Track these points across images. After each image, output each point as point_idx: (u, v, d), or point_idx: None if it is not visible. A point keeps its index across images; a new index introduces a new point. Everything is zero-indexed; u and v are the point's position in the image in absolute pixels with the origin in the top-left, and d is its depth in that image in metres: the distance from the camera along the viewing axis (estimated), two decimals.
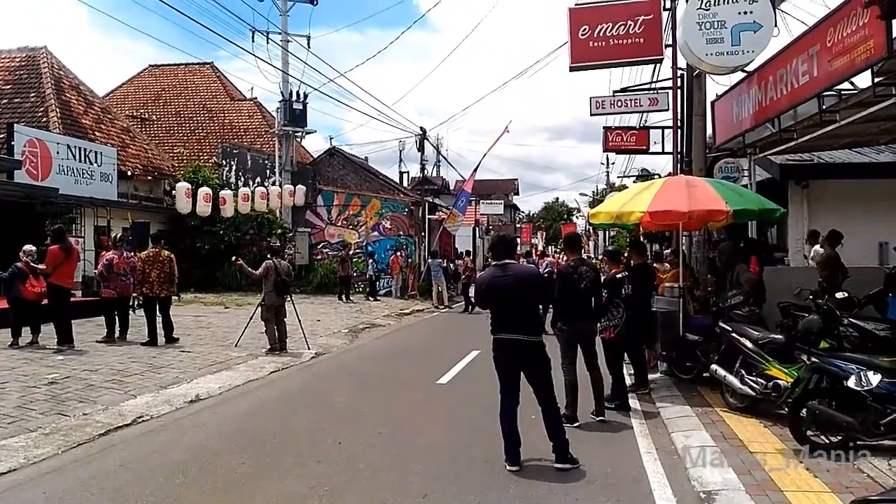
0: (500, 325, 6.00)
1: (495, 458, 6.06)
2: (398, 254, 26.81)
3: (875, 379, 5.16)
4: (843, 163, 14.29)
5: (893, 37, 6.77)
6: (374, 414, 7.93)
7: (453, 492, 5.26)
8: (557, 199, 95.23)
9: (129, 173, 23.15)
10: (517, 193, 79.59)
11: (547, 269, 16.93)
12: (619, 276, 8.23)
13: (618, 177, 43.22)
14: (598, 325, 7.97)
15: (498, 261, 6.11)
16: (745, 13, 8.61)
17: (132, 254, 12.92)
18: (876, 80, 7.49)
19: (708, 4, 8.75)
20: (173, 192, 23.75)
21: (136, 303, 16.13)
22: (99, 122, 23.93)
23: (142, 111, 32.65)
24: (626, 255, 10.79)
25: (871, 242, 13.49)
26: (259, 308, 12.26)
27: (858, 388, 5.25)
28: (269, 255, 12.55)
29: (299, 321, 12.72)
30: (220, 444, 6.61)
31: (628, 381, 8.75)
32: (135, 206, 22.89)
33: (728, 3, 8.65)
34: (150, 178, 24.75)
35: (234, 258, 13.33)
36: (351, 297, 24.04)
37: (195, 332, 14.08)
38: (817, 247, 10.87)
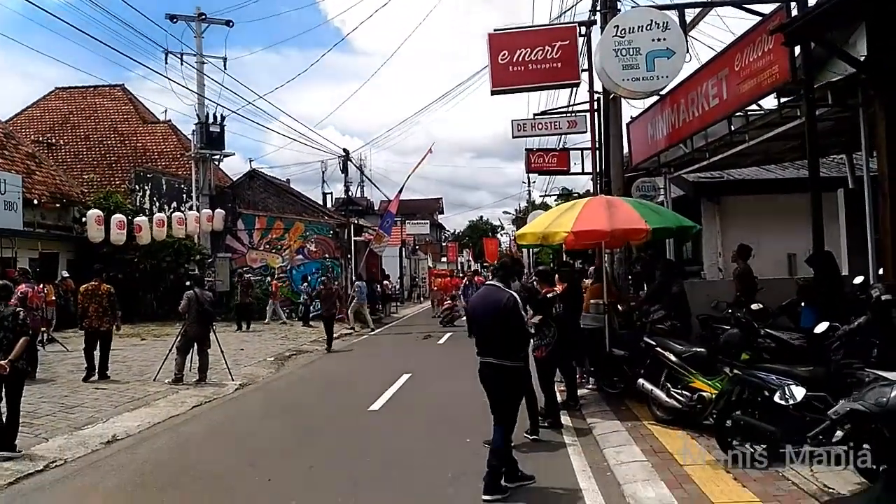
0: (478, 348, 6.12)
1: (431, 487, 5.99)
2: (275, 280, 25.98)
3: (800, 393, 5.37)
4: (752, 179, 15.02)
5: (797, 62, 7.18)
6: (305, 447, 7.71)
7: None
8: (482, 217, 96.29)
9: (36, 201, 21.93)
10: (442, 212, 80.00)
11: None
12: (549, 295, 8.32)
13: (540, 195, 44.05)
14: (531, 343, 8.02)
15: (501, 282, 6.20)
16: (659, 40, 8.96)
17: (42, 287, 12.28)
18: (782, 101, 7.89)
19: (623, 32, 9.06)
20: (83, 219, 22.63)
21: (44, 338, 15.30)
22: (1, 148, 22.65)
23: (48, 136, 31.07)
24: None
25: (781, 254, 14.19)
26: (178, 338, 11.83)
27: (783, 403, 5.45)
28: (189, 285, 12.13)
29: (221, 351, 12.27)
30: (141, 487, 6.27)
31: (559, 397, 8.85)
32: (42, 236, 21.70)
33: (642, 30, 8.98)
34: (58, 205, 23.50)
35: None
36: (251, 327, 22.27)
37: (110, 367, 13.36)
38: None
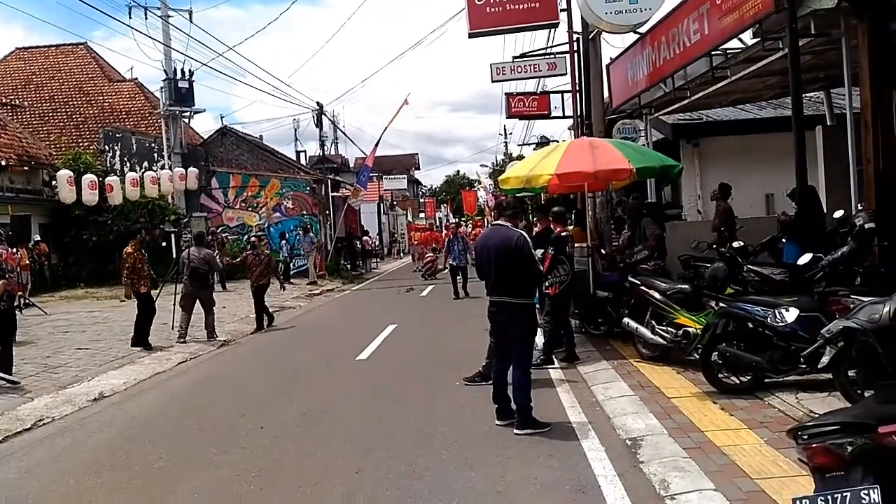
0: (488, 288, 6.14)
1: (426, 428, 6.03)
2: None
3: (791, 315, 5.44)
4: (730, 120, 15.01)
5: None
6: (296, 396, 7.70)
7: (386, 464, 5.17)
8: (458, 171, 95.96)
9: (3, 163, 21.35)
10: (418, 168, 79.38)
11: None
12: (563, 234, 8.36)
13: (518, 145, 43.80)
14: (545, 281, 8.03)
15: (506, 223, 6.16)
16: None
17: (14, 250, 12.01)
18: (764, 35, 7.82)
19: None
20: (53, 182, 22.08)
21: (21, 303, 15.05)
22: None
23: (11, 97, 30.11)
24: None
25: (759, 194, 14.30)
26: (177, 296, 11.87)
27: (776, 325, 5.52)
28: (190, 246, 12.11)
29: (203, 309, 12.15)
30: (131, 440, 6.23)
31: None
32: (13, 199, 21.18)
33: None
34: (26, 168, 22.86)
35: None
36: (227, 286, 21.34)
37: (91, 328, 13.27)
38: None
